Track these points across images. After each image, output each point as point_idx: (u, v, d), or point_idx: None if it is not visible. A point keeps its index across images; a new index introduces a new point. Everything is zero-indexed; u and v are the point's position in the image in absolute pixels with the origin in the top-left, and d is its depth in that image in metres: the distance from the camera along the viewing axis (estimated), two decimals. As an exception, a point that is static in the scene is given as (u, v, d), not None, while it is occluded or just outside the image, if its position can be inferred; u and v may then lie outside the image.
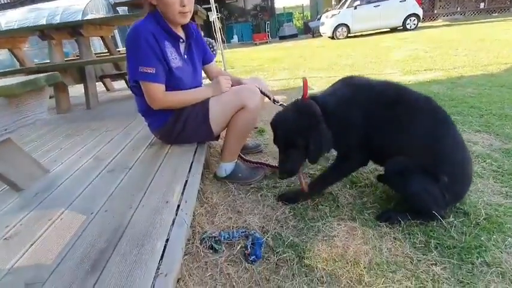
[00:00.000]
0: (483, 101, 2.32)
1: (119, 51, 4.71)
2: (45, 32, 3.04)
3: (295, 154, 1.16)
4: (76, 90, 3.62)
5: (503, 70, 3.34)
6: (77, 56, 6.07)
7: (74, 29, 2.94)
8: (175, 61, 1.30)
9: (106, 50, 4.10)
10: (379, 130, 1.11)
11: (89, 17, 11.01)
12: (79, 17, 10.78)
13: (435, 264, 0.92)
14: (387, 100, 1.12)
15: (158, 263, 0.71)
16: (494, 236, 0.99)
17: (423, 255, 0.96)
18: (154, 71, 1.22)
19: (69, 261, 0.75)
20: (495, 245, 0.96)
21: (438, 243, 0.99)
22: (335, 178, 1.31)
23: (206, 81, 1.95)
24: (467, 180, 1.10)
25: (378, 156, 1.21)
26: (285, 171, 1.22)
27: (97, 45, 7.90)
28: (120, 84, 4.13)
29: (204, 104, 1.34)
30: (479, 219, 1.07)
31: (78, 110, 2.91)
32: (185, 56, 1.37)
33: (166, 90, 1.30)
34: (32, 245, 0.85)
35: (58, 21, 10.45)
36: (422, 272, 0.90)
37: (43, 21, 10.64)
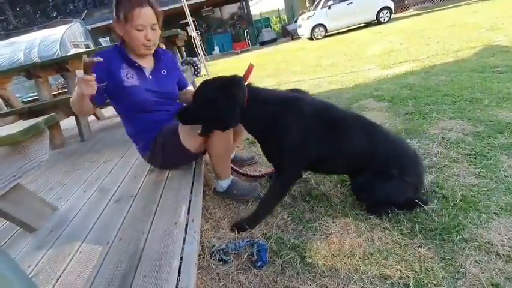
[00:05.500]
0: (455, 87, 2.48)
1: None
2: (31, 71, 3.11)
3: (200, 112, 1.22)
4: (67, 123, 3.67)
5: (472, 54, 3.55)
6: (61, 87, 6.12)
7: (59, 65, 3.02)
8: (130, 80, 1.36)
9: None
10: (314, 143, 1.20)
11: (67, 45, 11.02)
12: (57, 47, 10.76)
13: (421, 247, 1.03)
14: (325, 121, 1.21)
15: (177, 279, 0.80)
16: (470, 215, 1.12)
17: (410, 239, 1.07)
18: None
19: (96, 289, 0.84)
20: (471, 223, 1.09)
21: (422, 228, 1.11)
22: (278, 193, 1.33)
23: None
24: (415, 159, 1.24)
25: (325, 167, 1.34)
26: (180, 113, 1.28)
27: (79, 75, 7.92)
28: (109, 110, 4.20)
29: (174, 129, 1.38)
30: (456, 200, 1.20)
31: (72, 143, 2.96)
32: (150, 77, 1.44)
33: (121, 104, 1.41)
34: (57, 280, 0.93)
35: (36, 54, 10.42)
36: (409, 255, 1.01)
37: (21, 55, 10.58)
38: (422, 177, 1.24)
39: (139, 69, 1.41)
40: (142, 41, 1.32)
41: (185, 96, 1.65)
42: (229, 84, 1.18)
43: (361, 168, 1.23)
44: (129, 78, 1.37)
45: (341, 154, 1.23)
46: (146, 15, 1.28)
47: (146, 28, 1.30)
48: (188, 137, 1.36)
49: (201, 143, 1.39)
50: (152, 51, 1.41)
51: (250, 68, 1.29)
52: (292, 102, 1.22)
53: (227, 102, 1.14)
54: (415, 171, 1.21)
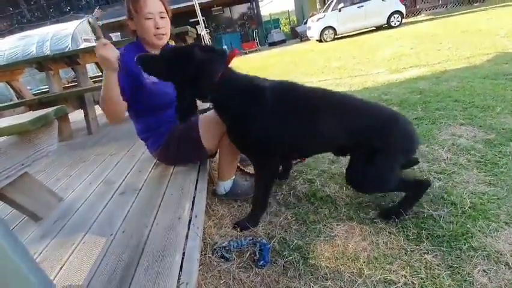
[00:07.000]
0: (466, 94, 2.44)
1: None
2: (43, 64, 3.15)
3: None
4: (75, 116, 3.71)
5: (485, 61, 3.48)
6: (71, 81, 6.20)
7: (70, 59, 3.05)
8: (151, 77, 1.34)
9: (101, 73, 4.23)
10: (282, 127, 1.16)
11: (79, 40, 11.17)
12: (69, 41, 10.92)
13: (427, 253, 1.01)
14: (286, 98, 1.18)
15: (179, 274, 0.80)
16: (479, 223, 1.09)
17: (416, 245, 1.05)
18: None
19: (98, 279, 0.84)
20: (480, 231, 1.06)
21: (429, 234, 1.08)
22: (264, 184, 1.30)
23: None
24: (396, 121, 1.16)
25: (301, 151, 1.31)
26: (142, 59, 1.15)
27: (88, 68, 8.01)
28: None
29: (193, 124, 1.39)
30: (465, 208, 1.17)
31: (80, 136, 3.00)
32: None
33: (137, 101, 1.36)
34: (61, 268, 0.94)
35: (48, 47, 10.59)
36: (415, 261, 0.99)
37: (33, 49, 10.75)
38: (409, 138, 1.16)
39: None
40: (152, 30, 1.33)
41: None
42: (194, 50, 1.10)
43: (345, 145, 1.19)
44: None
45: (315, 136, 1.18)
46: (152, 3, 1.31)
47: (155, 16, 1.32)
48: (208, 133, 1.35)
49: (218, 142, 1.39)
50: (165, 41, 1.41)
51: (233, 54, 1.24)
52: (253, 90, 1.16)
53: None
54: (399, 134, 1.15)
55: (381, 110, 1.22)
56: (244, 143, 1.24)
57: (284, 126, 1.15)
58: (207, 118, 1.38)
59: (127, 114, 1.40)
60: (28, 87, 5.33)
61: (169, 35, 1.42)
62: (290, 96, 1.19)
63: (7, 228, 0.36)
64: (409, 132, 1.16)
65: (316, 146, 1.27)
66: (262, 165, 1.27)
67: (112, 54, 1.14)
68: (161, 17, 1.35)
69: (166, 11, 1.38)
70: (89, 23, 1.13)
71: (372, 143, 1.12)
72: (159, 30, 1.35)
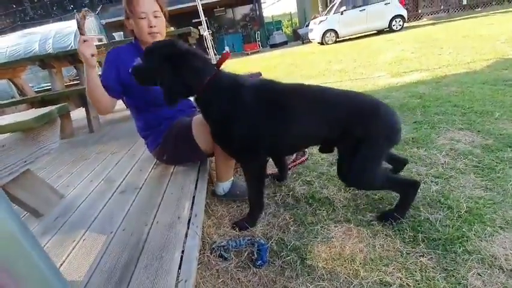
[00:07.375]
0: (466, 99, 2.45)
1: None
2: (46, 61, 3.18)
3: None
4: (77, 114, 3.72)
5: (485, 66, 3.50)
6: (73, 79, 6.23)
7: (73, 57, 3.08)
8: None
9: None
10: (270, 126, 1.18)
11: (82, 39, 11.21)
12: (71, 39, 10.95)
13: (423, 256, 1.02)
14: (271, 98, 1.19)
15: (178, 272, 0.81)
16: (475, 227, 1.10)
17: (412, 248, 1.06)
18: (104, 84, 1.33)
19: (98, 277, 0.85)
20: (475, 235, 1.07)
21: (425, 237, 1.10)
22: (255, 183, 1.31)
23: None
24: (377, 110, 1.17)
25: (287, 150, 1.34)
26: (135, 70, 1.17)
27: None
28: (118, 103, 4.25)
29: (187, 125, 1.40)
30: (461, 212, 1.18)
31: (81, 134, 3.02)
32: None
33: (134, 97, 1.45)
34: (61, 265, 0.95)
35: (51, 45, 10.62)
36: (411, 263, 1.00)
37: (36, 46, 10.77)
38: (390, 125, 1.16)
39: None
40: (146, 29, 1.37)
41: None
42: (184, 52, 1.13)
43: (329, 137, 1.19)
44: None
45: (297, 130, 1.19)
46: (145, 3, 1.34)
47: (148, 15, 1.35)
48: (201, 133, 1.36)
49: (212, 142, 1.37)
50: (159, 39, 1.39)
51: (225, 56, 1.27)
52: (233, 91, 1.17)
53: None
54: (380, 122, 1.15)
55: (362, 99, 1.23)
56: (228, 144, 1.26)
57: (264, 124, 1.17)
58: (199, 120, 1.37)
59: (127, 112, 1.43)
60: (30, 85, 5.35)
61: (163, 34, 1.44)
62: (269, 94, 1.20)
63: (17, 215, 0.37)
64: (390, 119, 1.17)
65: (300, 140, 1.27)
66: (249, 165, 1.29)
67: (89, 51, 1.20)
68: (155, 16, 1.38)
69: (162, 10, 1.40)
70: (76, 19, 1.19)
71: (354, 133, 1.13)
72: (152, 29, 1.38)
